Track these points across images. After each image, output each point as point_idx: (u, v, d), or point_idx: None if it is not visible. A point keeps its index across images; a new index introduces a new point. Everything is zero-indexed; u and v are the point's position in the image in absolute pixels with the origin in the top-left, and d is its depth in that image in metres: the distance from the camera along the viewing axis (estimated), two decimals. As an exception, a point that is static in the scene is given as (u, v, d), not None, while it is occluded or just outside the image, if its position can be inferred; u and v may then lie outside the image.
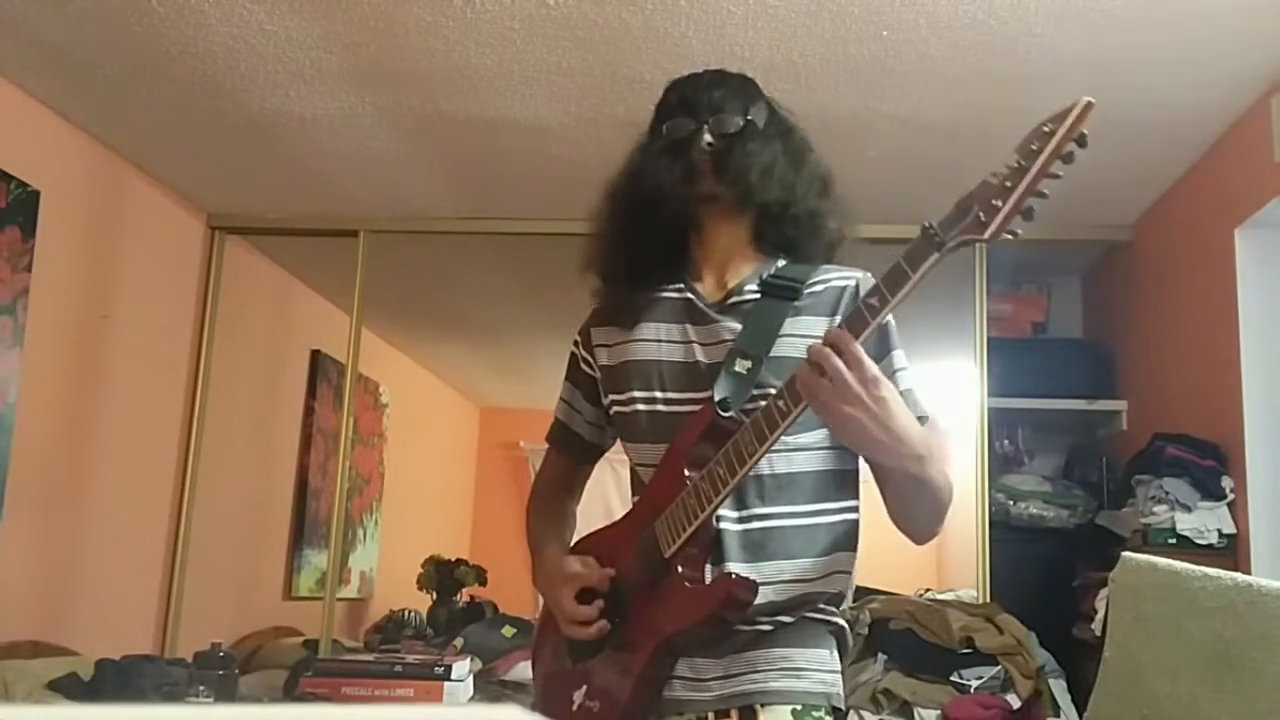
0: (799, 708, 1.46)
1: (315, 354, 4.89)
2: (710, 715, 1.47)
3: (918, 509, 1.46)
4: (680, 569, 1.46)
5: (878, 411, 1.30)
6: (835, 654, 1.53)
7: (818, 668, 1.49)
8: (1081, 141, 1.22)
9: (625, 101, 3.00)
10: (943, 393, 4.88)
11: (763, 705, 1.46)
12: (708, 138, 1.56)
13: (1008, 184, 1.25)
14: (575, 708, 1.54)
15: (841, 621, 1.55)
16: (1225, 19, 2.54)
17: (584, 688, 1.54)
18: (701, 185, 1.56)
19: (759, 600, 1.44)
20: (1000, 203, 1.24)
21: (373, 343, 5.10)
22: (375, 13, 2.65)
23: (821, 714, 1.47)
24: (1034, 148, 1.24)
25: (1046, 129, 1.24)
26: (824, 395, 1.30)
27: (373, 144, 3.40)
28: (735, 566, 1.46)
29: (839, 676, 1.52)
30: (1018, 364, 3.83)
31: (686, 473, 1.48)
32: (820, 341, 1.32)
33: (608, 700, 1.51)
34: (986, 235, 1.26)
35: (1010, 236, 1.26)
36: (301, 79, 2.98)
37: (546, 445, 1.81)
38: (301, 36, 2.77)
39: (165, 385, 3.87)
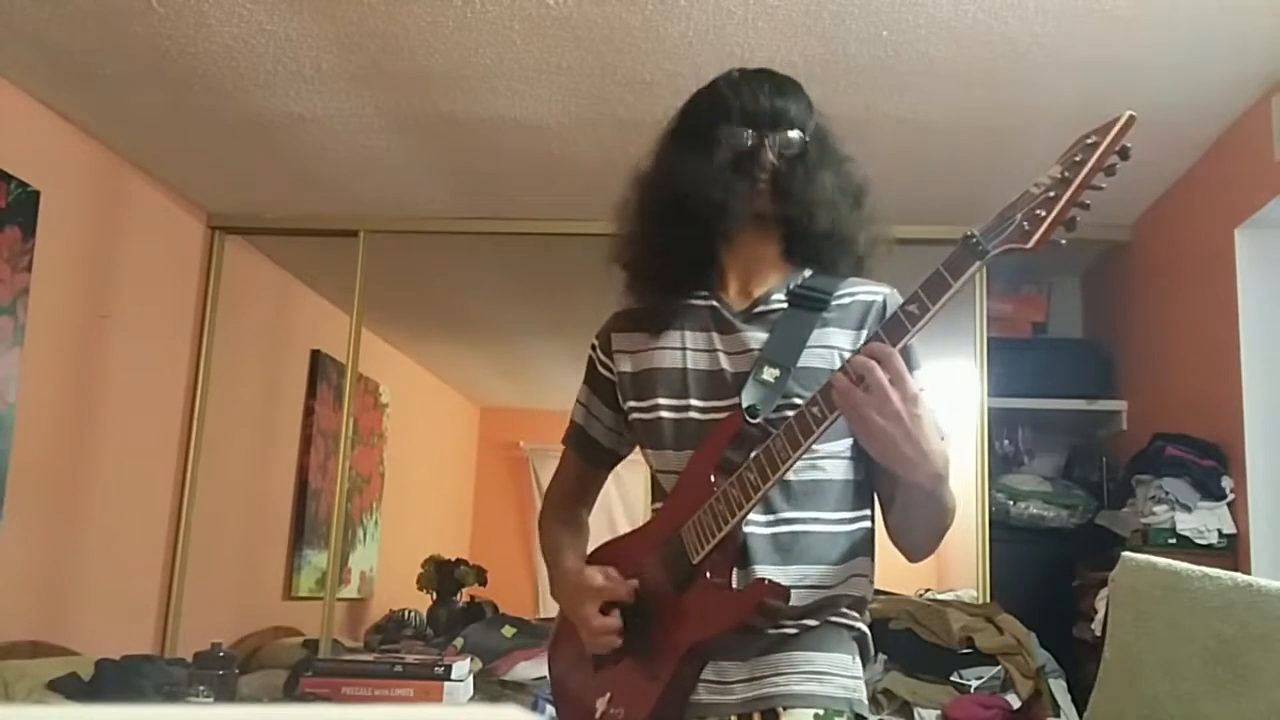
0: (821, 712, 1.45)
1: (315, 354, 4.89)
2: (733, 718, 1.47)
3: (921, 527, 1.48)
4: (709, 574, 1.46)
5: (911, 428, 1.30)
6: (857, 660, 1.53)
7: (840, 672, 1.49)
8: (1124, 154, 1.24)
9: (625, 101, 3.00)
10: (943, 393, 4.89)
11: (785, 708, 1.45)
12: (771, 157, 1.53)
13: (1051, 194, 1.25)
14: (599, 715, 1.53)
15: (863, 627, 1.55)
16: (1225, 19, 2.54)
17: (608, 695, 1.54)
18: (757, 204, 1.54)
19: (790, 604, 1.45)
20: (1044, 213, 1.25)
21: (373, 343, 5.10)
22: (375, 13, 2.65)
23: (844, 719, 1.46)
24: (1078, 159, 1.25)
25: (1090, 141, 1.25)
26: (861, 406, 1.30)
27: (373, 144, 3.40)
28: (762, 570, 1.46)
29: (861, 683, 1.52)
30: (1018, 364, 3.83)
31: (713, 479, 1.47)
32: (860, 351, 1.33)
33: (633, 706, 1.50)
34: (1030, 244, 1.26)
35: (1058, 244, 1.26)
36: (301, 79, 2.99)
37: (562, 447, 1.77)
38: (301, 36, 2.77)
39: (165, 385, 3.87)
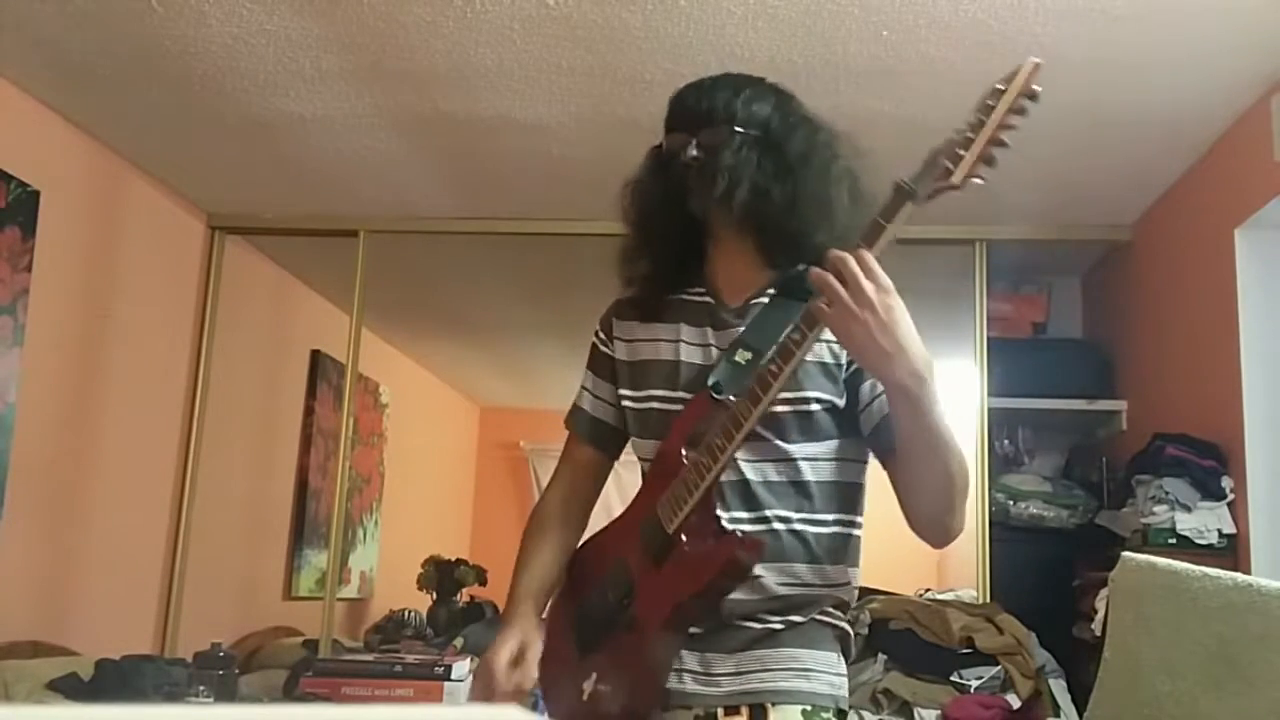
0: (809, 708, 1.48)
1: (315, 354, 4.89)
2: (720, 711, 1.49)
3: (931, 475, 1.43)
4: (684, 538, 1.48)
5: (885, 320, 1.33)
6: (841, 658, 1.56)
7: (826, 669, 1.52)
8: (1033, 96, 1.33)
9: (625, 101, 3.00)
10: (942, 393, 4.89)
11: (773, 704, 1.47)
12: (692, 152, 1.55)
13: (970, 135, 1.35)
14: (585, 696, 1.55)
15: (846, 626, 1.58)
16: (1225, 19, 2.53)
17: (593, 675, 1.55)
18: (688, 202, 1.57)
19: (771, 597, 1.48)
20: (964, 152, 1.35)
21: (373, 343, 5.10)
22: (375, 13, 2.65)
23: (830, 716, 1.49)
24: (990, 104, 1.35)
25: (999, 87, 1.35)
26: (838, 296, 1.34)
27: (373, 144, 3.40)
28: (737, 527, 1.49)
29: (845, 680, 1.55)
30: (1018, 364, 3.82)
31: (683, 453, 1.50)
32: (835, 250, 1.37)
33: (619, 679, 1.52)
34: (956, 180, 1.35)
35: (978, 181, 1.36)
36: (301, 79, 2.98)
37: (561, 446, 1.76)
38: (301, 36, 2.77)
39: (165, 385, 3.86)
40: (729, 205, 1.54)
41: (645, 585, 1.52)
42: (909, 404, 1.38)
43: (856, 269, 1.34)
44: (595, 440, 1.73)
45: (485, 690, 1.54)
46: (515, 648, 1.56)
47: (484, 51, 2.81)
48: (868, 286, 1.33)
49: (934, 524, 1.47)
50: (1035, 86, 1.33)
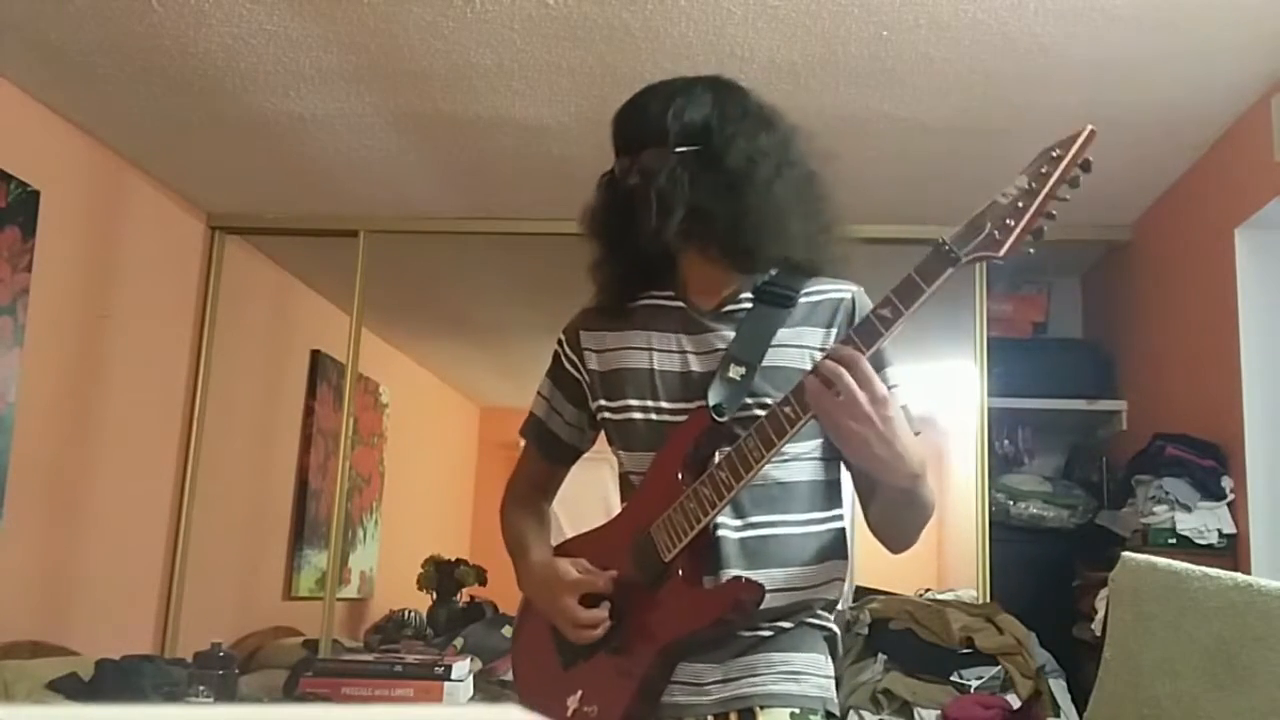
0: (797, 711, 1.47)
1: (315, 354, 4.89)
2: (709, 719, 1.48)
3: (901, 524, 1.51)
4: (681, 573, 1.47)
5: (884, 430, 1.33)
6: (829, 659, 1.55)
7: (815, 672, 1.51)
8: (1086, 166, 1.29)
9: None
10: (943, 393, 4.89)
11: (762, 708, 1.46)
12: (633, 179, 1.53)
13: (1019, 205, 1.30)
14: (570, 713, 1.53)
15: (834, 627, 1.57)
16: (1225, 19, 2.54)
17: (579, 693, 1.53)
18: (640, 225, 1.52)
19: (763, 609, 1.46)
20: (1013, 222, 1.30)
21: (373, 343, 5.10)
22: (375, 13, 2.65)
23: (818, 718, 1.48)
24: (1043, 171, 1.30)
25: (1054, 154, 1.30)
26: (833, 411, 1.33)
27: (373, 144, 3.40)
28: (735, 572, 1.47)
29: (833, 681, 1.54)
30: (1018, 364, 3.83)
31: (681, 477, 1.48)
32: (828, 356, 1.34)
33: (607, 704, 1.50)
34: (1001, 253, 1.31)
35: (1026, 254, 1.32)
36: (301, 79, 2.99)
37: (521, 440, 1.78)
38: (301, 36, 2.77)
39: (165, 385, 3.86)
40: (667, 230, 1.50)
41: (637, 611, 1.50)
42: (904, 496, 1.42)
43: (851, 382, 1.31)
44: (545, 452, 1.73)
45: (565, 590, 1.52)
46: (568, 564, 1.55)
47: (484, 51, 2.81)
48: (863, 399, 1.31)
49: (895, 545, 1.54)
50: (1089, 156, 1.29)
